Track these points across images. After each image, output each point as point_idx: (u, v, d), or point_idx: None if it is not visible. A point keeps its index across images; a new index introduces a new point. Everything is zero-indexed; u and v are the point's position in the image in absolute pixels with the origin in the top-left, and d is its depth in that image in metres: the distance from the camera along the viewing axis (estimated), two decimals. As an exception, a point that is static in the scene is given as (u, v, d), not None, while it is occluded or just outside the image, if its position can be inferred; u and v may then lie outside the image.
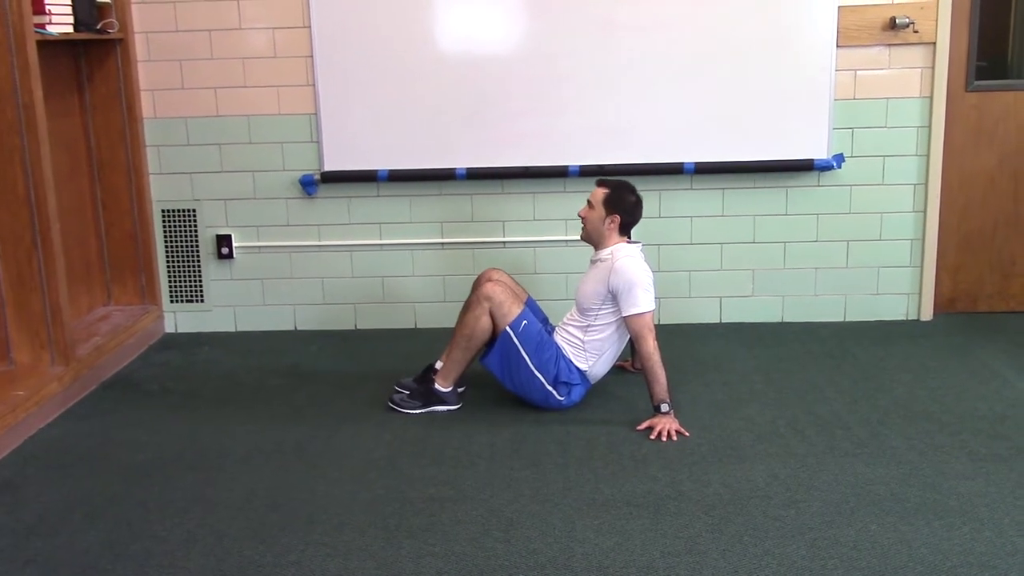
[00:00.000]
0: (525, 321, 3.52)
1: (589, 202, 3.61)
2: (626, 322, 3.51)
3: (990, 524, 2.73)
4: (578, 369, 3.59)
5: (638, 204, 3.62)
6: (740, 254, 4.59)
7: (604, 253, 3.59)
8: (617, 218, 3.57)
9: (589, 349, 3.60)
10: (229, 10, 4.40)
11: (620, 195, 3.59)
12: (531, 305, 3.74)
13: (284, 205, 4.60)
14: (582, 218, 3.64)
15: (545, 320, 3.77)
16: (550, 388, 3.55)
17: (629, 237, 3.65)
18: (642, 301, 3.47)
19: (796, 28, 4.33)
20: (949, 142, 4.49)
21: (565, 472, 3.12)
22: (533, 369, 3.51)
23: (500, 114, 4.42)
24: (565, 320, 3.70)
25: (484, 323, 3.52)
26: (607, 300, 3.53)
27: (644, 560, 2.59)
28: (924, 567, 2.52)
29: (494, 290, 3.53)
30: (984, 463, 3.11)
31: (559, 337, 3.64)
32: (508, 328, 3.50)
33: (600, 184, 3.64)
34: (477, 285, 3.66)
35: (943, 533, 2.69)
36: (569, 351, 3.60)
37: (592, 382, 3.67)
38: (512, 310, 3.51)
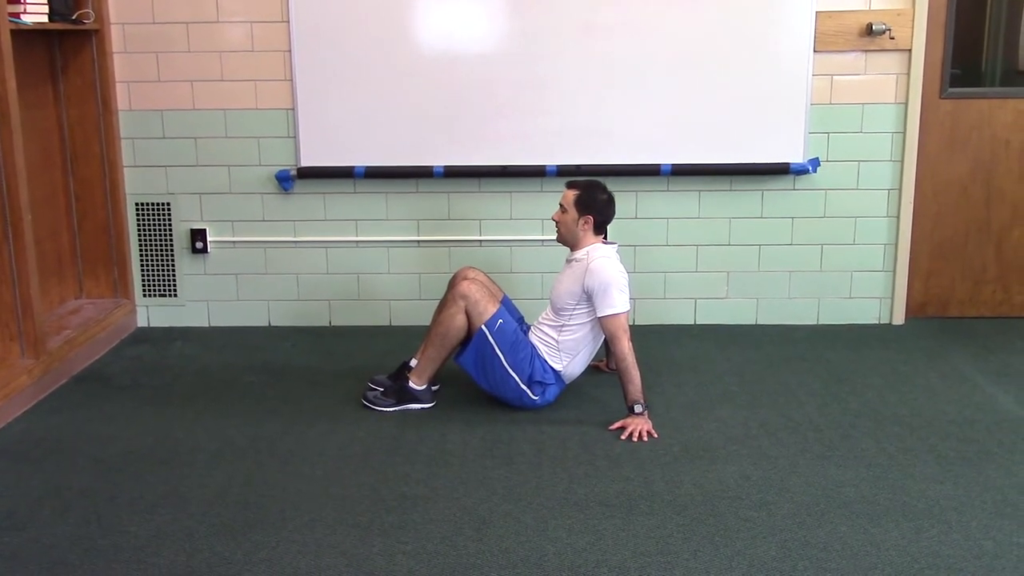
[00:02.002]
0: (500, 320, 3.52)
1: (561, 205, 3.61)
2: (601, 323, 3.52)
3: (958, 527, 2.76)
4: (553, 369, 3.60)
5: (610, 202, 3.62)
6: (715, 256, 4.61)
7: (579, 253, 3.59)
8: (590, 218, 3.57)
9: (563, 349, 3.60)
10: (206, 3, 4.37)
11: (591, 195, 3.59)
12: (507, 304, 3.74)
13: (260, 200, 4.58)
14: (556, 222, 3.64)
15: (520, 319, 3.77)
16: (524, 387, 3.55)
17: (605, 236, 3.66)
18: (617, 302, 3.47)
19: (774, 32, 4.35)
20: (923, 148, 4.53)
21: (538, 472, 3.12)
22: (508, 368, 3.51)
23: (478, 113, 4.42)
24: (540, 320, 3.70)
25: (459, 321, 3.52)
26: (582, 300, 3.54)
27: (616, 560, 2.60)
28: (893, 569, 2.55)
29: (470, 288, 3.53)
30: (953, 466, 3.14)
31: (534, 337, 3.65)
32: (483, 327, 3.50)
33: (570, 186, 3.64)
34: (453, 283, 3.65)
35: (912, 535, 2.71)
36: (544, 351, 3.60)
37: (567, 382, 3.67)
38: (488, 309, 3.51)
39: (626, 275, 3.56)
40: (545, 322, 3.66)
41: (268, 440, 3.38)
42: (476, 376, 3.57)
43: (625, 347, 3.43)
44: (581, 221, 3.57)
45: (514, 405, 3.60)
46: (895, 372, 4.03)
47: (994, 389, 3.84)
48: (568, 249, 3.68)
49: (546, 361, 3.59)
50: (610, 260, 3.53)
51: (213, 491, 3.00)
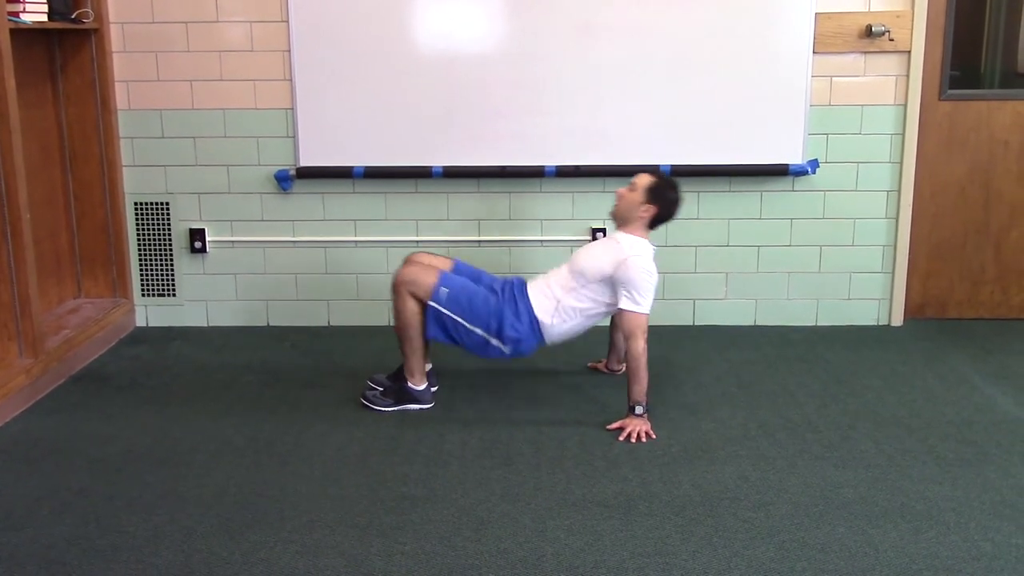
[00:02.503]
0: (444, 288, 3.49)
1: (632, 183, 3.59)
2: (621, 316, 3.49)
3: (956, 528, 2.76)
4: (534, 319, 3.55)
5: (677, 203, 3.61)
6: (714, 257, 4.61)
7: (624, 238, 3.56)
8: (653, 209, 3.55)
9: (560, 309, 3.56)
10: (206, 2, 4.37)
11: (664, 188, 3.58)
12: (458, 267, 3.71)
13: (259, 200, 4.58)
14: (618, 195, 3.61)
15: (480, 275, 3.72)
16: (492, 339, 3.53)
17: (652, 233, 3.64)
18: (644, 301, 3.46)
19: (773, 34, 4.35)
20: (922, 150, 4.54)
21: (536, 472, 3.12)
22: (469, 327, 3.51)
23: (477, 113, 4.42)
24: (551, 273, 3.66)
25: (411, 308, 3.52)
26: (604, 282, 3.51)
27: (614, 561, 2.60)
28: (891, 570, 2.55)
29: (405, 273, 3.53)
30: (951, 468, 3.15)
31: (535, 285, 3.61)
32: (430, 303, 3.49)
33: (650, 172, 3.63)
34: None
35: (910, 537, 2.71)
36: (537, 301, 3.56)
37: (546, 340, 3.61)
38: (427, 281, 3.50)
39: (657, 277, 3.54)
40: (555, 279, 3.61)
41: (266, 440, 3.38)
42: (447, 342, 3.57)
43: (640, 347, 3.42)
44: (644, 208, 3.54)
45: (485, 356, 3.60)
46: (894, 373, 4.03)
47: (992, 390, 3.84)
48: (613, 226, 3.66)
49: (533, 310, 3.54)
50: (647, 260, 3.51)
51: (211, 491, 3.00)
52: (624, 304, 3.46)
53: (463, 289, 3.53)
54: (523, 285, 3.62)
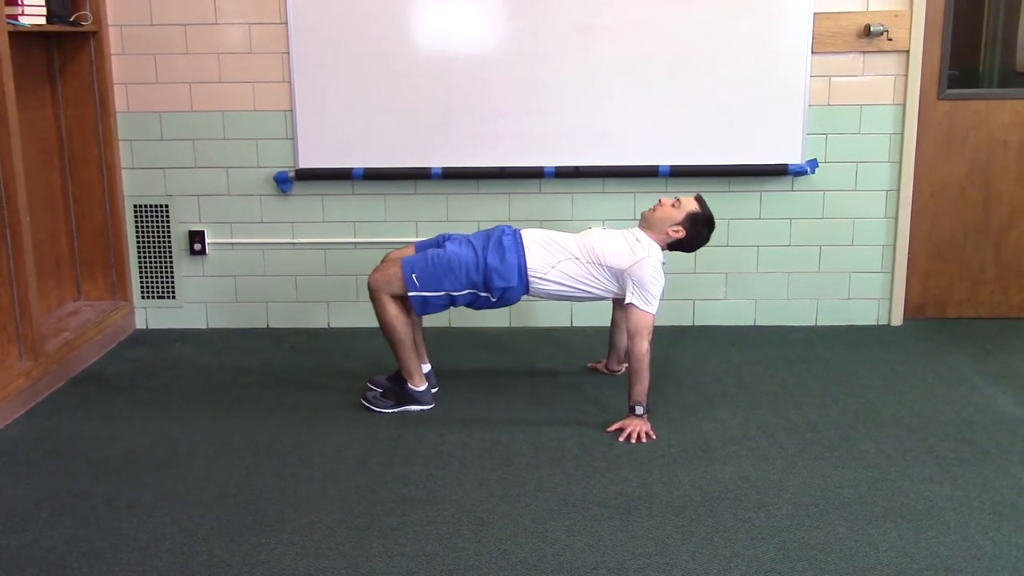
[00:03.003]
0: (412, 274, 3.49)
1: (678, 199, 3.61)
2: (628, 312, 3.49)
3: (956, 528, 2.76)
4: (523, 270, 3.51)
5: (703, 240, 3.66)
6: (713, 257, 4.61)
7: (644, 239, 3.56)
8: (682, 234, 3.58)
9: (556, 270, 3.53)
10: (204, 4, 4.37)
11: (702, 223, 3.61)
12: (419, 247, 3.68)
13: (258, 202, 4.58)
14: (661, 203, 3.61)
15: (440, 240, 3.68)
16: (481, 293, 3.52)
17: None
18: (653, 301, 3.47)
19: (772, 33, 4.36)
20: (921, 149, 4.54)
21: (537, 473, 3.12)
22: (455, 293, 3.51)
23: (476, 114, 4.42)
24: (553, 234, 3.62)
25: (392, 310, 3.52)
26: (614, 272, 3.51)
27: (615, 561, 2.59)
28: (891, 570, 2.55)
29: (374, 279, 3.53)
30: (951, 467, 3.15)
31: (534, 238, 3.57)
32: (410, 295, 3.49)
33: (698, 200, 3.63)
34: None
35: (910, 536, 2.71)
36: (533, 253, 3.53)
37: (529, 291, 3.57)
38: (395, 275, 3.49)
39: (664, 286, 3.54)
40: (560, 241, 3.58)
41: (266, 442, 3.38)
42: (437, 312, 3.57)
43: (644, 346, 3.42)
44: (675, 228, 3.57)
45: (476, 309, 3.61)
46: (893, 373, 4.03)
47: (992, 390, 3.84)
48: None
49: (524, 258, 3.51)
50: (659, 265, 3.52)
51: (211, 493, 3.00)
52: (635, 300, 3.46)
53: (429, 263, 3.51)
54: (517, 234, 3.59)
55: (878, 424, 3.50)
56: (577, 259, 3.54)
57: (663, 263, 3.57)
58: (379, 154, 4.46)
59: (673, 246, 3.64)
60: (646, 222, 3.63)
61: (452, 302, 3.54)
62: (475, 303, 3.57)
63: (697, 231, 3.62)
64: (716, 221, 3.66)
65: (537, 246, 3.56)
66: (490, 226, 4.51)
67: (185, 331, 4.67)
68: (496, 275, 3.49)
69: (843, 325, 4.67)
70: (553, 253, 3.55)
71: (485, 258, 3.50)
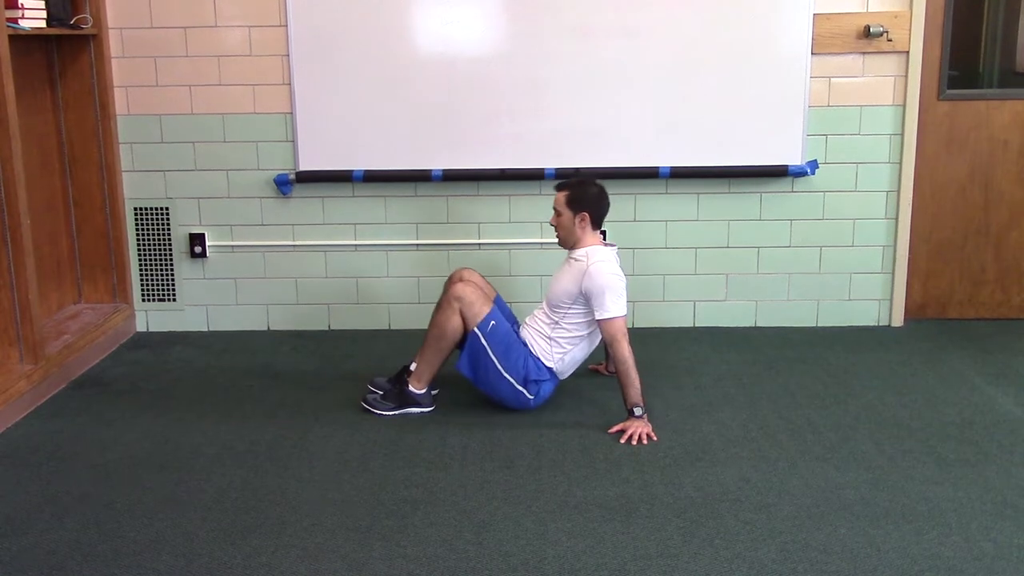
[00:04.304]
0: (493, 322, 3.51)
1: (555, 209, 3.61)
2: (599, 326, 3.52)
3: (958, 529, 2.76)
4: (546, 367, 3.60)
5: (602, 195, 3.61)
6: (714, 258, 4.61)
7: (579, 253, 3.58)
8: (586, 215, 3.56)
9: (557, 346, 3.59)
10: (204, 7, 4.38)
11: (581, 191, 3.59)
12: (499, 304, 3.74)
13: (258, 204, 4.58)
14: (554, 226, 3.63)
15: (514, 320, 3.77)
16: (520, 388, 3.55)
17: (604, 235, 3.64)
18: (614, 306, 3.47)
19: (771, 35, 4.36)
20: (921, 150, 4.54)
21: (538, 475, 3.12)
22: (501, 371, 3.51)
23: (476, 116, 4.42)
24: (534, 315, 3.69)
25: (455, 323, 3.52)
26: (577, 301, 3.54)
27: (616, 563, 2.59)
28: (893, 571, 2.54)
29: (464, 290, 3.53)
30: (952, 468, 3.14)
31: (527, 333, 3.64)
32: (476, 329, 3.50)
33: (559, 188, 3.63)
34: (448, 285, 3.66)
35: (912, 537, 2.71)
36: (537, 348, 3.59)
37: (560, 378, 3.66)
38: (482, 310, 3.51)
39: (624, 279, 3.56)
40: (540, 318, 3.65)
41: (267, 444, 3.38)
42: (473, 378, 3.57)
43: (625, 351, 3.43)
44: (578, 219, 3.56)
45: (511, 407, 3.60)
46: (894, 374, 4.03)
47: (993, 391, 3.84)
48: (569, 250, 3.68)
49: (540, 359, 3.59)
50: (609, 264, 3.53)
51: (212, 496, 3.00)
52: (599, 314, 3.48)
53: (508, 331, 3.55)
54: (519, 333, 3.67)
55: (879, 425, 3.50)
56: (556, 323, 3.59)
57: (616, 251, 3.58)
58: (379, 156, 4.46)
59: (596, 225, 3.60)
60: (565, 245, 3.64)
61: (495, 377, 3.52)
62: (512, 397, 3.56)
63: (586, 197, 3.58)
64: (609, 194, 3.61)
65: (535, 343, 3.60)
66: (491, 228, 4.54)
67: (186, 334, 4.67)
68: (534, 370, 3.55)
69: (844, 326, 4.67)
70: (542, 334, 3.60)
71: (528, 355, 3.56)
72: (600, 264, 3.50)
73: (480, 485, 3.05)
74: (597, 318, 3.49)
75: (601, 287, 3.46)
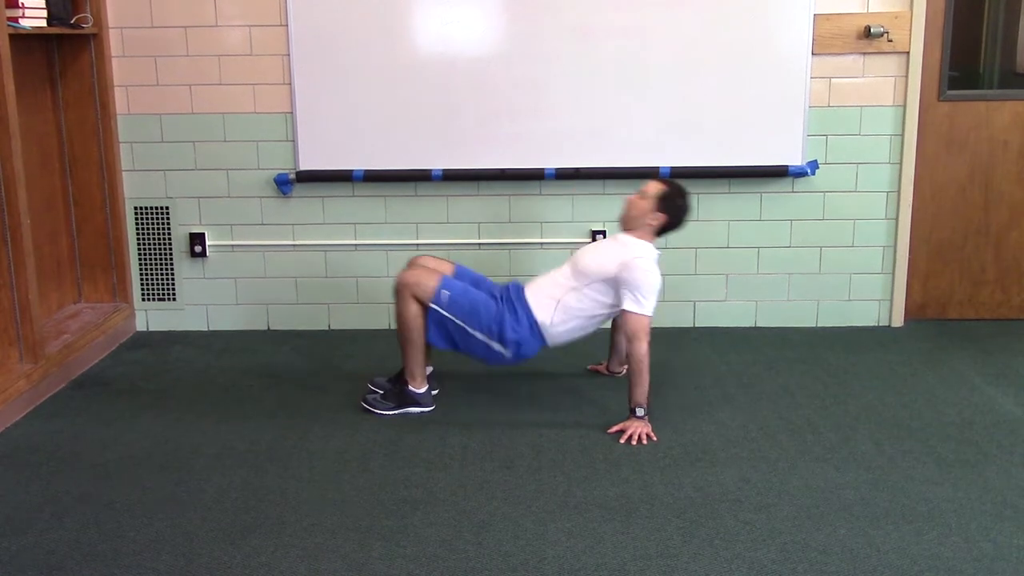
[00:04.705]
0: (445, 291, 3.49)
1: (642, 191, 3.58)
2: (623, 317, 3.49)
3: (957, 529, 2.76)
4: (533, 321, 3.54)
5: (686, 211, 3.62)
6: (714, 259, 4.61)
7: (629, 240, 3.56)
8: (663, 217, 3.55)
9: (560, 308, 3.55)
10: (205, 7, 4.38)
11: (675, 197, 3.57)
12: (460, 273, 3.70)
13: (258, 204, 4.58)
14: (628, 202, 3.61)
15: (480, 280, 3.72)
16: (494, 344, 3.53)
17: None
18: (646, 303, 3.46)
19: (772, 35, 4.36)
20: (921, 151, 4.54)
21: (537, 475, 3.12)
22: (470, 331, 3.51)
23: (476, 116, 4.42)
24: (550, 273, 3.65)
25: (413, 310, 3.51)
26: (608, 282, 3.50)
27: (615, 563, 2.59)
28: (892, 571, 2.54)
29: (407, 276, 3.53)
30: (952, 469, 3.14)
31: (533, 286, 3.60)
32: (431, 304, 3.49)
33: (660, 180, 3.62)
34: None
35: (911, 538, 2.71)
36: (535, 301, 3.56)
37: (547, 341, 3.60)
38: (429, 284, 3.50)
39: (660, 282, 3.53)
40: (557, 278, 3.60)
41: (267, 444, 3.38)
42: (447, 347, 3.57)
43: (643, 349, 3.42)
44: (653, 215, 3.55)
45: (488, 361, 3.59)
46: (894, 374, 4.03)
47: (993, 391, 3.84)
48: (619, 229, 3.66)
49: (531, 311, 3.54)
50: (652, 262, 3.51)
51: (212, 495, 3.00)
52: (628, 305, 3.45)
53: (464, 293, 3.53)
54: (520, 288, 3.63)
55: (879, 425, 3.50)
56: (575, 288, 3.54)
57: (658, 257, 3.56)
58: (379, 156, 4.46)
59: (662, 231, 3.61)
60: (625, 224, 3.63)
61: (464, 339, 3.52)
62: (487, 353, 3.56)
63: (675, 206, 3.58)
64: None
65: (537, 295, 3.57)
66: (491, 227, 4.54)
67: (186, 333, 4.67)
68: (510, 328, 3.51)
69: (844, 326, 4.67)
70: (552, 293, 3.56)
71: (502, 312, 3.53)
72: (645, 260, 3.49)
73: (480, 485, 3.05)
74: (625, 308, 3.46)
75: (639, 281, 3.45)
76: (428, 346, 3.62)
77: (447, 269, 3.69)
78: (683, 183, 3.67)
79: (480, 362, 3.63)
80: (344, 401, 3.75)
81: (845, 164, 4.50)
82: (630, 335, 3.46)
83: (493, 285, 3.72)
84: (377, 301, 4.65)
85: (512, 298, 3.58)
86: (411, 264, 3.69)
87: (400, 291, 3.53)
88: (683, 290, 4.63)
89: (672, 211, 3.57)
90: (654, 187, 3.58)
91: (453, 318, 3.49)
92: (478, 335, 3.52)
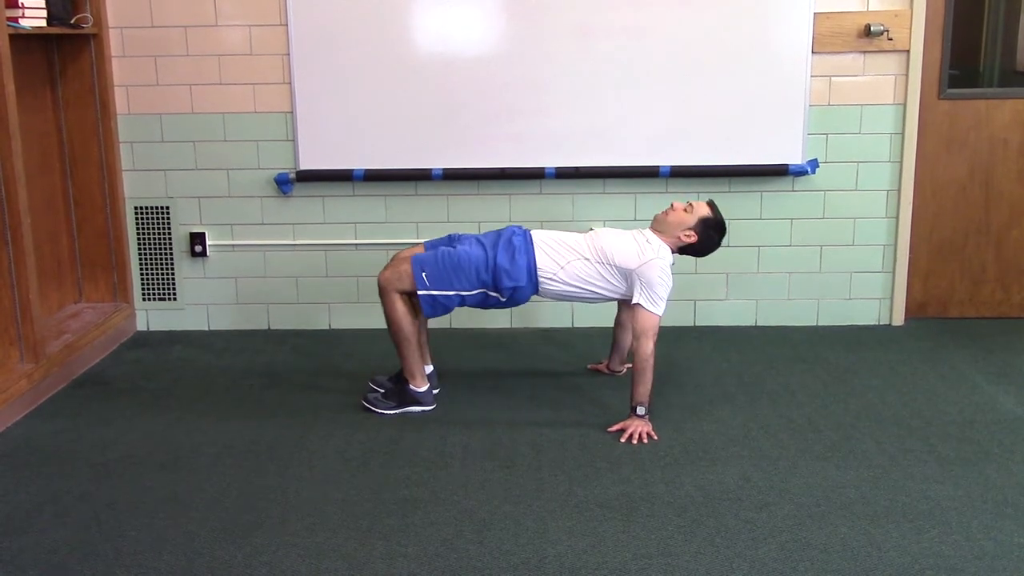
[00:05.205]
0: (423, 272, 3.48)
1: (691, 205, 3.60)
2: (634, 313, 3.48)
3: (958, 527, 2.76)
4: (533, 269, 3.51)
5: (714, 246, 3.66)
6: (714, 258, 4.58)
7: (655, 240, 3.56)
8: (694, 239, 3.58)
9: (565, 270, 3.53)
10: (205, 6, 4.38)
11: (713, 228, 3.60)
12: (428, 245, 3.68)
13: (259, 203, 4.58)
14: (674, 207, 3.61)
15: (452, 238, 3.70)
16: (490, 292, 3.53)
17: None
18: (659, 301, 3.46)
19: (772, 34, 4.35)
20: (922, 149, 4.53)
21: (538, 474, 3.12)
22: (463, 293, 3.51)
23: (477, 115, 4.42)
24: (563, 235, 3.62)
25: (400, 308, 3.51)
26: (623, 272, 3.50)
27: (616, 562, 2.59)
28: (893, 570, 2.54)
29: (384, 274, 3.53)
30: (953, 467, 3.14)
31: (543, 239, 3.57)
32: (419, 293, 3.49)
33: (710, 205, 3.63)
34: None
35: (912, 536, 2.71)
36: (542, 253, 3.52)
37: (539, 291, 3.58)
38: (405, 272, 3.49)
39: (672, 288, 3.53)
40: (570, 241, 3.58)
41: (268, 443, 3.38)
42: (447, 313, 3.56)
43: (649, 348, 3.43)
44: (688, 232, 3.57)
45: (485, 308, 3.61)
46: (895, 373, 4.03)
47: (994, 389, 3.84)
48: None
49: (534, 258, 3.51)
50: (668, 266, 3.52)
51: (213, 495, 3.00)
52: (642, 301, 3.45)
53: (439, 261, 3.50)
54: (528, 235, 3.59)
55: (880, 424, 3.50)
56: (587, 259, 3.54)
57: (672, 265, 3.57)
58: (380, 155, 4.46)
59: (684, 250, 3.64)
60: (658, 224, 3.63)
61: (462, 302, 3.54)
62: (485, 303, 3.57)
63: (709, 236, 3.61)
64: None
65: (547, 246, 3.55)
66: (492, 227, 4.54)
67: (186, 333, 4.67)
68: (505, 275, 3.49)
69: (844, 325, 4.67)
70: (563, 253, 3.54)
71: (495, 257, 3.50)
72: (664, 263, 3.50)
73: (481, 484, 3.05)
74: (638, 302, 3.45)
75: (655, 280, 3.45)
76: (425, 343, 3.62)
77: (417, 251, 3.66)
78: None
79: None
80: (345, 400, 3.75)
81: (845, 163, 4.50)
82: (638, 332, 3.46)
83: (479, 235, 3.68)
84: (377, 301, 4.60)
85: (514, 242, 3.53)
86: (390, 262, 3.68)
87: (383, 292, 3.53)
88: (684, 289, 4.62)
89: (704, 238, 3.60)
90: (703, 208, 3.60)
91: (443, 292, 3.49)
92: (472, 293, 3.51)
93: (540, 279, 3.53)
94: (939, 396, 3.77)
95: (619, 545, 2.68)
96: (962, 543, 2.67)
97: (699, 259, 4.49)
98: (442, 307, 3.53)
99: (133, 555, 2.65)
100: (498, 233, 3.62)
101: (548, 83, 4.38)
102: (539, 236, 3.59)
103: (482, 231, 4.54)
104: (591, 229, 3.69)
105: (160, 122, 4.50)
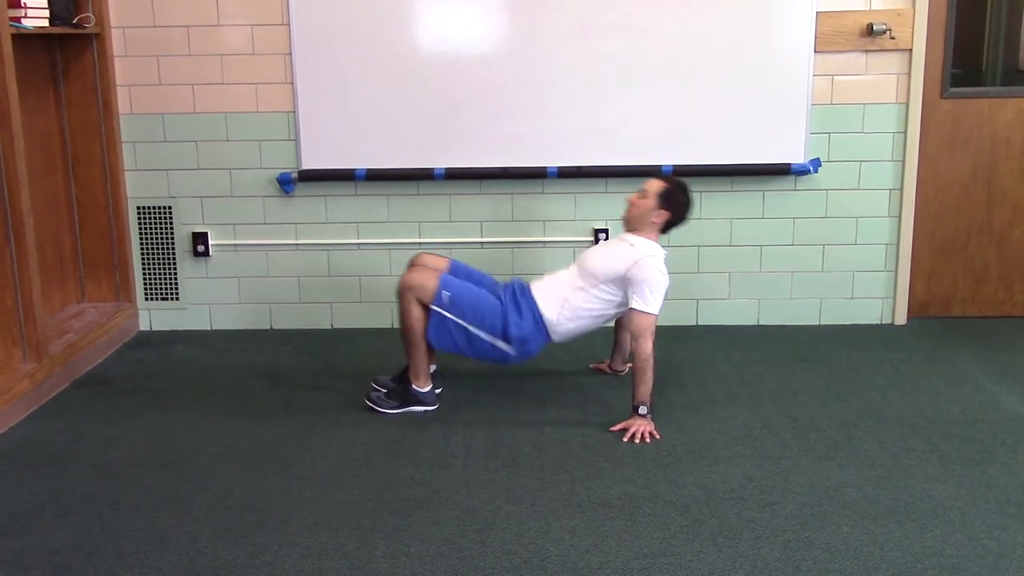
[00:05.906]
0: (446, 292, 3.49)
1: (643, 190, 3.60)
2: (629, 315, 3.49)
3: (961, 527, 2.75)
4: (539, 316, 3.55)
5: (689, 207, 3.63)
6: (716, 257, 4.61)
7: (636, 240, 3.57)
8: (666, 215, 3.56)
9: (567, 307, 3.55)
10: (207, 6, 4.38)
11: (676, 193, 3.59)
12: (454, 268, 3.70)
13: (261, 203, 4.58)
14: (630, 203, 3.62)
15: (477, 275, 3.73)
16: (498, 342, 3.53)
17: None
18: (653, 300, 3.46)
19: (774, 33, 4.35)
20: (924, 148, 4.53)
21: (540, 473, 3.12)
22: (473, 330, 3.51)
23: (479, 115, 4.42)
24: (556, 274, 3.65)
25: (416, 313, 3.52)
26: (616, 282, 3.51)
27: (619, 561, 2.59)
28: (896, 569, 2.54)
29: (410, 279, 3.53)
30: (955, 466, 3.14)
31: (540, 284, 3.61)
32: (433, 307, 3.49)
33: (660, 178, 3.64)
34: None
35: (915, 535, 2.71)
36: (542, 297, 3.56)
37: (553, 338, 3.61)
38: (429, 286, 3.50)
39: (667, 282, 3.53)
40: (563, 279, 3.61)
41: (270, 443, 3.38)
42: (451, 350, 3.57)
43: (648, 347, 3.43)
44: (656, 213, 3.56)
45: (496, 361, 3.60)
46: (897, 372, 4.03)
47: (997, 388, 3.83)
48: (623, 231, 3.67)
49: (537, 308, 3.54)
50: (659, 261, 3.52)
51: (215, 494, 3.00)
52: (634, 304, 3.46)
53: (465, 292, 3.53)
54: (525, 286, 3.63)
55: (882, 423, 3.50)
56: (582, 289, 3.55)
57: (665, 256, 3.56)
58: (382, 155, 4.46)
59: (666, 229, 3.62)
60: (629, 225, 3.64)
61: (467, 340, 3.53)
62: (491, 353, 3.57)
63: (677, 203, 3.59)
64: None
65: (544, 292, 3.58)
66: (492, 227, 4.54)
67: (189, 333, 4.67)
68: (514, 325, 3.51)
69: (847, 324, 4.66)
70: (559, 292, 3.57)
71: (505, 309, 3.53)
72: (653, 259, 3.50)
73: (483, 484, 3.05)
74: (632, 306, 3.46)
75: (647, 279, 3.45)
76: (431, 346, 3.62)
77: (443, 265, 3.69)
78: (683, 179, 3.67)
79: (486, 363, 3.63)
80: (347, 400, 3.75)
81: (848, 162, 4.50)
82: (635, 333, 3.46)
83: (494, 282, 3.73)
84: (380, 300, 4.65)
85: (517, 295, 3.58)
86: (412, 264, 3.69)
87: (403, 294, 3.53)
88: (686, 288, 4.62)
89: (675, 207, 3.58)
90: (655, 185, 3.59)
91: (455, 318, 3.49)
92: (482, 334, 3.52)
93: (549, 326, 3.56)
94: (942, 395, 3.77)
95: (622, 544, 2.68)
96: (965, 542, 2.67)
97: (700, 257, 4.50)
98: (445, 332, 3.51)
99: (135, 555, 2.65)
100: (504, 287, 3.65)
101: (550, 83, 4.38)
102: (535, 287, 3.62)
103: (484, 231, 4.57)
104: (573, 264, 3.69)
105: (162, 122, 4.51)
